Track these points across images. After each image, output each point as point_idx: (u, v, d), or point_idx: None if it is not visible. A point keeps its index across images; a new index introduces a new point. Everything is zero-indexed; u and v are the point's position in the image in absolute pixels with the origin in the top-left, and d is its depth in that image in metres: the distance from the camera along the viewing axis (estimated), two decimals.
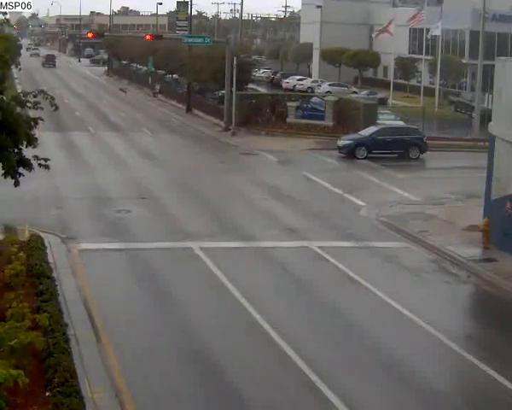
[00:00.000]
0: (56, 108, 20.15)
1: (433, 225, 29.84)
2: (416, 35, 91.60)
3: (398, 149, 45.85)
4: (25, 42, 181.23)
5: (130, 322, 19.32)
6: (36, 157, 20.32)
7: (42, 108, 20.20)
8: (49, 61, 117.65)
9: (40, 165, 20.42)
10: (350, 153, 45.23)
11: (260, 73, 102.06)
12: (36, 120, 20.25)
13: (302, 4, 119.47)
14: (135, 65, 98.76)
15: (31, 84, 74.97)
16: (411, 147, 46.08)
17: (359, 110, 53.13)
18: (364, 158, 44.77)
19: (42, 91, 20.12)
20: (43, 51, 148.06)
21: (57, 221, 28.49)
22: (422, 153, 46.44)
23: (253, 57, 73.39)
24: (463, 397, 16.73)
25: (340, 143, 46.14)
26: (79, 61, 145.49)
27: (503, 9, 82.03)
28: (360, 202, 33.93)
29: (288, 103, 56.71)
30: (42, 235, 25.53)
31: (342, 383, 16.37)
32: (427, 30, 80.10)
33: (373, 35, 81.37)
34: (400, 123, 52.00)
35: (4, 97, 20.05)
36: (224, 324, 19.68)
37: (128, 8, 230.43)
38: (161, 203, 32.57)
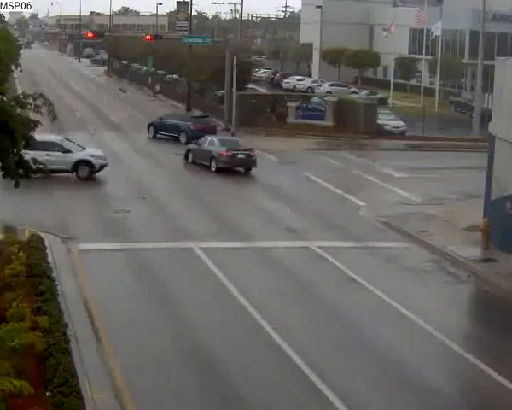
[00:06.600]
0: (55, 117, 19.98)
1: (433, 225, 29.83)
2: (416, 35, 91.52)
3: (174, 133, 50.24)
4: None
5: (130, 322, 19.33)
6: (34, 160, 20.25)
7: (42, 114, 20.15)
8: (28, 46, 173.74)
9: (39, 168, 20.35)
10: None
11: (260, 73, 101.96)
12: (35, 123, 20.18)
13: (302, 4, 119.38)
14: (135, 65, 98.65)
15: (31, 84, 74.94)
16: (181, 133, 49.63)
17: (359, 110, 53.14)
18: (153, 137, 51.03)
19: (41, 95, 20.06)
20: (35, 46, 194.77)
21: (57, 221, 28.48)
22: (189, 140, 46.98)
23: (253, 57, 73.40)
24: (463, 397, 16.73)
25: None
26: (79, 61, 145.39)
27: (503, 9, 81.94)
28: (360, 202, 33.94)
29: (288, 103, 56.70)
30: (42, 235, 25.52)
31: (342, 383, 16.37)
32: (428, 30, 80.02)
33: (384, 35, 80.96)
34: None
35: (4, 98, 20.01)
36: (223, 323, 19.67)
37: (128, 8, 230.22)
38: (161, 203, 32.57)
